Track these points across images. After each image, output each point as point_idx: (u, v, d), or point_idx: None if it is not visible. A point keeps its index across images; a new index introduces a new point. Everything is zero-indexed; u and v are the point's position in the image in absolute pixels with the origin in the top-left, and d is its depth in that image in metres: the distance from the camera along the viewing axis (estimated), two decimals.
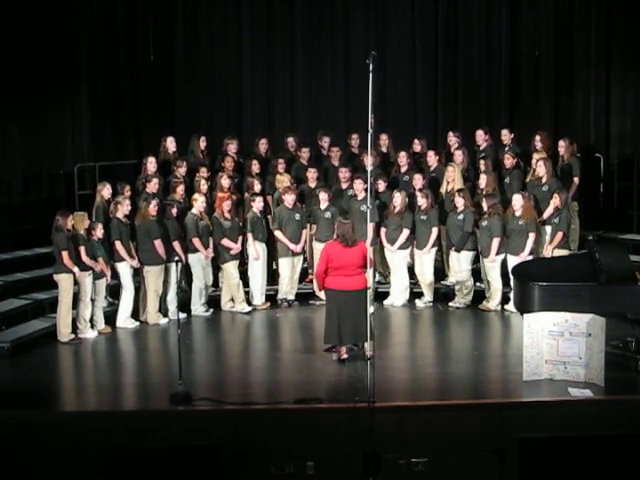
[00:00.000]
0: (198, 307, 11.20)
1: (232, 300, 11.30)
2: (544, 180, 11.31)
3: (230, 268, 11.21)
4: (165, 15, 13.98)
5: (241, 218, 11.55)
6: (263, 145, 12.57)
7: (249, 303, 11.32)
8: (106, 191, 11.06)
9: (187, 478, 7.59)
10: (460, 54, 14.06)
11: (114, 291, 10.93)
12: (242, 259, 11.55)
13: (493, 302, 10.98)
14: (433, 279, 11.43)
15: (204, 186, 11.40)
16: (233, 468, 7.46)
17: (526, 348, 8.27)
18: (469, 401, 7.89)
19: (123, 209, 10.70)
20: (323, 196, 11.45)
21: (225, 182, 11.47)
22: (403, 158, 12.05)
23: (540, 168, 11.31)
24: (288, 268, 11.50)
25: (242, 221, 11.49)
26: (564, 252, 10.65)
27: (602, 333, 8.00)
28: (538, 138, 11.84)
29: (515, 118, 13.85)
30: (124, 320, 10.66)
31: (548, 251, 10.74)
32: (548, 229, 11.05)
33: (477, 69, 14.03)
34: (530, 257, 10.68)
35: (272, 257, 11.72)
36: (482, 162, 11.77)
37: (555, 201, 10.84)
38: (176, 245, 10.90)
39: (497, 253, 10.88)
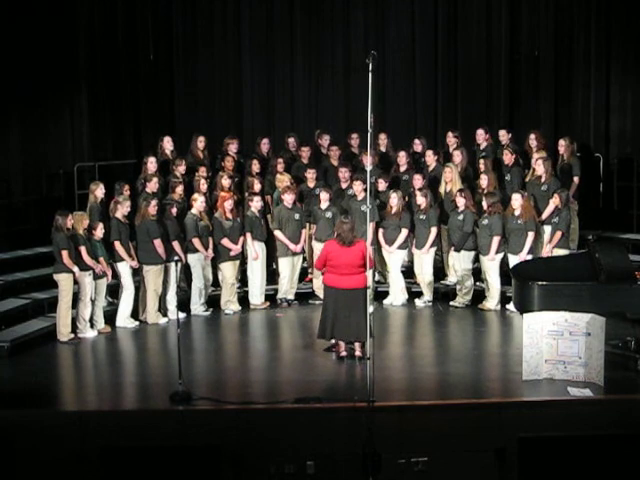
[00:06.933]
0: (197, 307, 11.19)
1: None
2: (543, 179, 11.31)
3: (228, 268, 11.21)
4: (165, 15, 13.99)
5: (242, 218, 11.55)
6: (265, 145, 12.58)
7: (241, 303, 11.31)
8: (99, 191, 11.03)
9: (187, 477, 7.59)
10: (460, 54, 14.06)
11: (114, 291, 10.92)
12: (242, 259, 11.56)
13: (492, 301, 10.98)
14: (433, 279, 11.42)
15: (203, 186, 11.39)
16: (233, 468, 7.46)
17: (526, 348, 8.27)
18: (468, 400, 7.88)
19: (123, 209, 10.69)
20: (324, 196, 11.43)
21: (225, 182, 11.46)
22: (402, 158, 12.06)
23: (539, 167, 11.30)
24: (288, 268, 11.49)
25: (242, 221, 11.50)
26: (564, 251, 10.65)
27: (602, 332, 8.00)
28: (533, 137, 11.84)
29: (515, 118, 13.85)
30: (124, 320, 10.66)
31: (547, 250, 10.75)
32: (547, 228, 11.05)
33: (477, 69, 14.02)
34: (529, 256, 10.69)
35: (272, 257, 11.71)
36: (482, 161, 11.76)
37: (555, 200, 10.83)
38: (176, 245, 10.90)
39: (497, 252, 10.89)
